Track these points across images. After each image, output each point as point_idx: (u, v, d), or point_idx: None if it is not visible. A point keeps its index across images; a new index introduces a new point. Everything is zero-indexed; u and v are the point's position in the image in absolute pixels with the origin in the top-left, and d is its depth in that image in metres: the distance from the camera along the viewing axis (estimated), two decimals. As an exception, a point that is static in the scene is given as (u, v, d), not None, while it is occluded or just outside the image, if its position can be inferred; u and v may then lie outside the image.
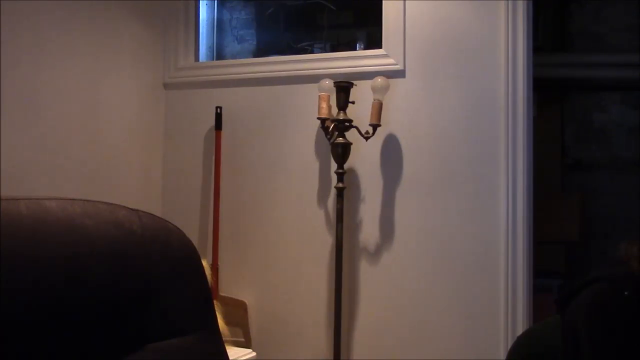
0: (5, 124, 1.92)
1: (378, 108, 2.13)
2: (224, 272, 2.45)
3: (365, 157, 2.25)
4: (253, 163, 2.44)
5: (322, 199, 2.33)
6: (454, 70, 2.14)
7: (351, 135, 2.18)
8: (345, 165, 2.20)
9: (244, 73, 2.47)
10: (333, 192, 2.27)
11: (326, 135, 2.21)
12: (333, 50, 2.63)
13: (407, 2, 2.20)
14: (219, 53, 2.81)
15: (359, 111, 2.19)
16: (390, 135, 2.23)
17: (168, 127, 2.61)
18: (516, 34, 2.05)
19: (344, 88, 2.18)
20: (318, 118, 2.19)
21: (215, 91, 2.52)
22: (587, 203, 3.59)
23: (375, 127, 2.14)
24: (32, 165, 2.03)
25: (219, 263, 2.42)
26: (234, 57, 2.83)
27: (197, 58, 2.64)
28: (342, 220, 2.20)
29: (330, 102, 2.20)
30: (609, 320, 1.24)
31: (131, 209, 0.84)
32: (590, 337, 1.23)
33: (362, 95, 2.20)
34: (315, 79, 2.27)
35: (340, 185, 2.19)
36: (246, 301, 2.41)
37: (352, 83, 2.19)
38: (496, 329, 2.05)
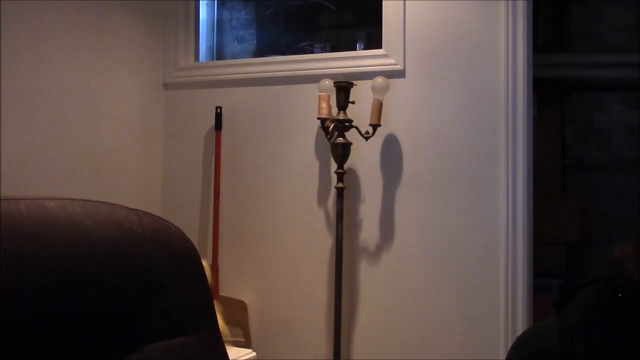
0: (5, 124, 1.92)
1: (378, 108, 2.13)
2: (224, 272, 2.45)
3: (365, 157, 2.25)
4: (253, 163, 2.44)
5: (322, 199, 2.33)
6: (454, 70, 2.14)
7: (351, 135, 2.18)
8: (345, 165, 2.20)
9: (244, 73, 2.47)
10: (333, 192, 2.27)
11: (326, 135, 2.21)
12: (333, 50, 2.63)
13: (407, 2, 2.20)
14: (219, 53, 2.81)
15: (359, 111, 2.19)
16: (390, 135, 2.23)
17: (168, 127, 2.61)
18: (516, 34, 2.05)
19: (344, 88, 2.18)
20: (318, 118, 2.19)
21: (215, 91, 2.52)
22: (587, 203, 3.59)
23: (375, 127, 2.14)
24: (32, 165, 2.03)
25: (219, 263, 2.42)
26: (234, 57, 2.83)
27: (197, 58, 2.64)
28: (342, 220, 2.20)
29: (330, 102, 2.19)
30: (604, 321, 1.24)
31: (131, 209, 0.84)
32: (586, 339, 1.23)
33: (362, 95, 2.20)
34: (315, 79, 2.27)
35: (340, 185, 2.19)
36: (246, 301, 2.41)
37: (352, 83, 2.19)
38: (496, 329, 2.05)
